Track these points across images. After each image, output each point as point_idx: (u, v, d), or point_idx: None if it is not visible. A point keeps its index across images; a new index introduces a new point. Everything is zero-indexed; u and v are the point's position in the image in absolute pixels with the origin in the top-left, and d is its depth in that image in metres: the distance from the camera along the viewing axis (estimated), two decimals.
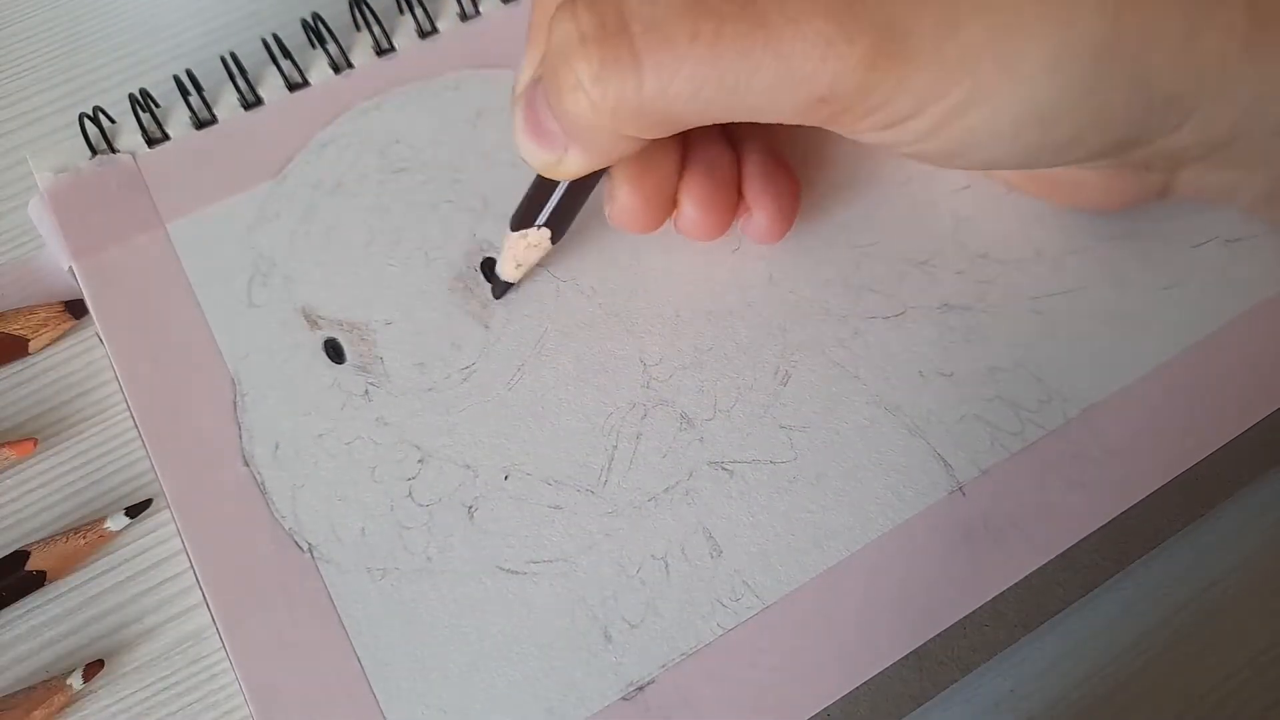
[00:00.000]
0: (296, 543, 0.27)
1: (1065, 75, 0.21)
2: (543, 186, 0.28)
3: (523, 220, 0.28)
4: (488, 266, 0.31)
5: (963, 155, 0.23)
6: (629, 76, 0.21)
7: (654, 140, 0.24)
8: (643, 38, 0.21)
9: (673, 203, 0.27)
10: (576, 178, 0.26)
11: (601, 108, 0.22)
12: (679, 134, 0.26)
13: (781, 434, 0.28)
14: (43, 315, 0.30)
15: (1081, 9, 0.20)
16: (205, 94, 0.33)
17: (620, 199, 0.27)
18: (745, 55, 0.20)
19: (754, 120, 0.22)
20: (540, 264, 0.30)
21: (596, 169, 0.25)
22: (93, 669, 0.26)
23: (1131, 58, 0.21)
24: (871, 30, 0.20)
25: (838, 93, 0.21)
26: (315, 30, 0.34)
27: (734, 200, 0.28)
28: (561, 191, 0.27)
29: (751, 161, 0.28)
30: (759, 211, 0.28)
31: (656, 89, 0.21)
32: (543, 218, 0.28)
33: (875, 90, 0.21)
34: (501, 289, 0.30)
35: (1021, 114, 0.21)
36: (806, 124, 0.22)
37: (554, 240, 0.29)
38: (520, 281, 0.30)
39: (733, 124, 0.28)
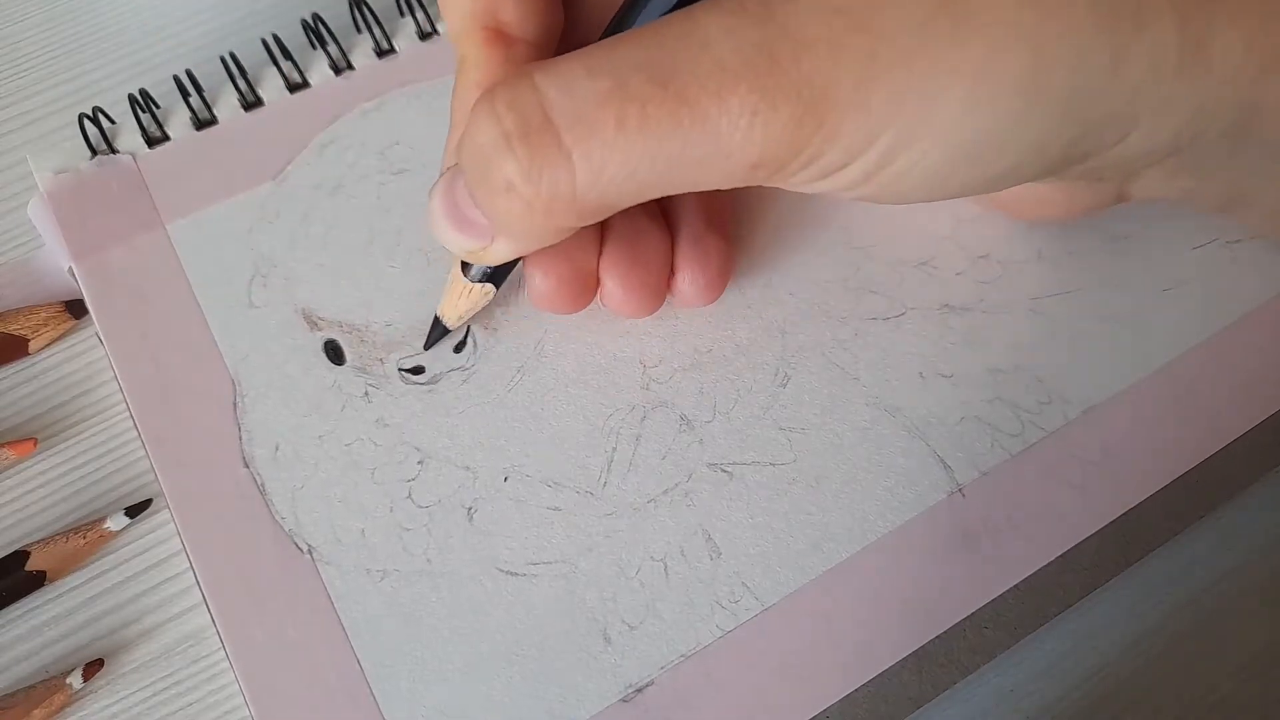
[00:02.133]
0: (296, 544, 0.27)
1: (988, 113, 0.21)
2: None
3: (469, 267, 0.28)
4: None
5: (902, 195, 0.23)
6: (561, 171, 0.21)
7: None
8: (568, 131, 0.20)
9: (595, 281, 0.27)
10: (503, 263, 0.26)
11: (536, 205, 0.21)
12: None
13: (781, 435, 0.28)
14: (43, 315, 0.30)
15: (999, 47, 0.20)
16: (205, 95, 0.33)
17: (536, 283, 0.27)
18: (673, 135, 0.20)
19: (689, 190, 0.22)
20: None
21: (522, 255, 0.25)
22: (92, 669, 0.26)
23: (1058, 88, 0.21)
24: (794, 94, 0.20)
25: (768, 158, 0.21)
26: (315, 31, 0.34)
27: (662, 273, 0.28)
28: None
29: (683, 226, 0.28)
30: (682, 277, 0.28)
31: (589, 179, 0.21)
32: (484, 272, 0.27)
33: (804, 150, 0.21)
34: (438, 335, 0.29)
35: (950, 153, 0.21)
36: (743, 186, 0.22)
37: (497, 285, 0.28)
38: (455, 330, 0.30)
39: None
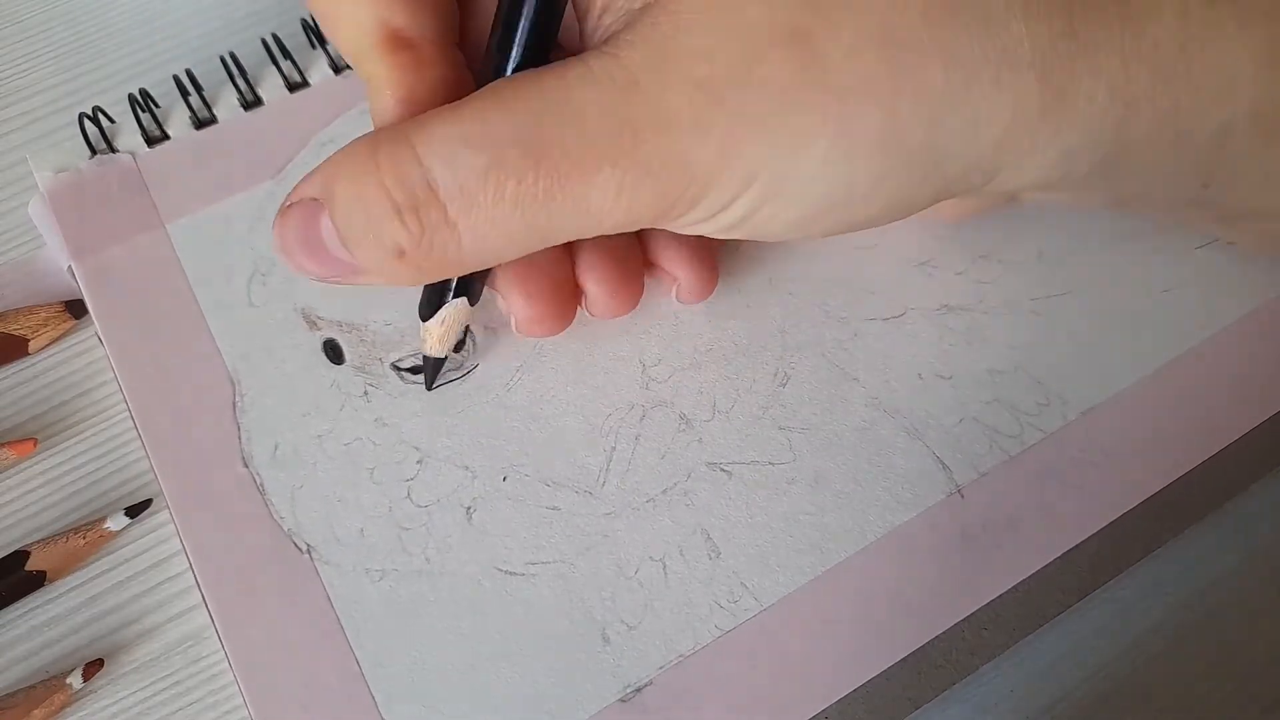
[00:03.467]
0: (295, 543, 0.27)
1: (845, 171, 0.21)
2: None
3: (432, 303, 0.27)
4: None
5: (774, 236, 0.24)
6: (449, 240, 0.22)
7: None
8: (452, 204, 0.21)
9: (576, 293, 0.28)
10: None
11: (425, 268, 0.23)
12: None
13: (780, 435, 0.28)
14: (43, 315, 0.30)
15: (854, 109, 0.21)
16: (205, 94, 0.33)
17: (519, 309, 0.27)
18: (548, 204, 0.21)
19: (571, 240, 0.23)
20: None
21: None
22: (92, 669, 0.26)
23: (915, 146, 0.21)
24: (658, 167, 0.21)
25: (636, 220, 0.22)
26: (315, 30, 0.34)
27: (639, 268, 0.28)
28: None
29: (657, 232, 0.28)
30: (682, 274, 0.29)
31: (474, 246, 0.22)
32: (452, 291, 0.27)
33: (670, 211, 0.22)
34: (434, 372, 0.29)
35: (812, 206, 0.22)
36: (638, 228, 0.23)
37: (473, 301, 0.27)
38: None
39: None
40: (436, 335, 0.27)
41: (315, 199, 0.23)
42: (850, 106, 0.21)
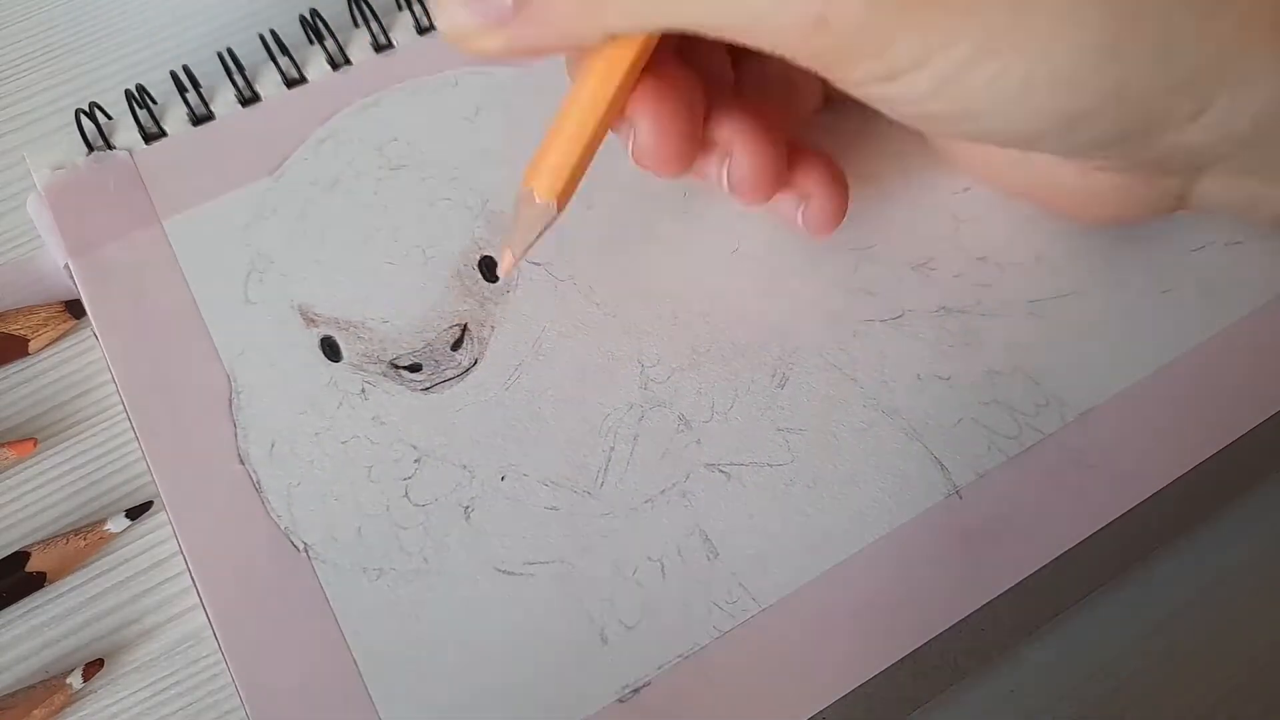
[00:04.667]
0: (292, 542, 0.27)
1: (1083, 33, 0.19)
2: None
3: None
4: (486, 265, 0.30)
5: (965, 120, 0.22)
6: None
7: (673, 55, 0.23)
8: None
9: (698, 139, 0.25)
10: (502, 56, 0.23)
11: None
12: (695, 59, 0.25)
13: (779, 436, 0.28)
14: (43, 315, 0.30)
15: None
16: (203, 90, 0.33)
17: (641, 134, 0.25)
18: None
19: (745, 43, 0.21)
20: (539, 263, 0.30)
21: (529, 52, 0.23)
22: (92, 669, 0.26)
23: (1152, 20, 0.20)
24: None
25: (836, 18, 0.19)
26: (313, 26, 0.33)
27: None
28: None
29: (796, 145, 0.27)
30: (816, 191, 0.27)
31: None
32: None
33: (875, 26, 0.19)
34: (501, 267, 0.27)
35: (1034, 73, 0.20)
36: (802, 62, 0.21)
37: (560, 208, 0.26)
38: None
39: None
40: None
41: None
42: None
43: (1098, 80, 0.20)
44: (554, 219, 0.25)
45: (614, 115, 0.24)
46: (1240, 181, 0.24)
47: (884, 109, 0.22)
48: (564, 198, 0.25)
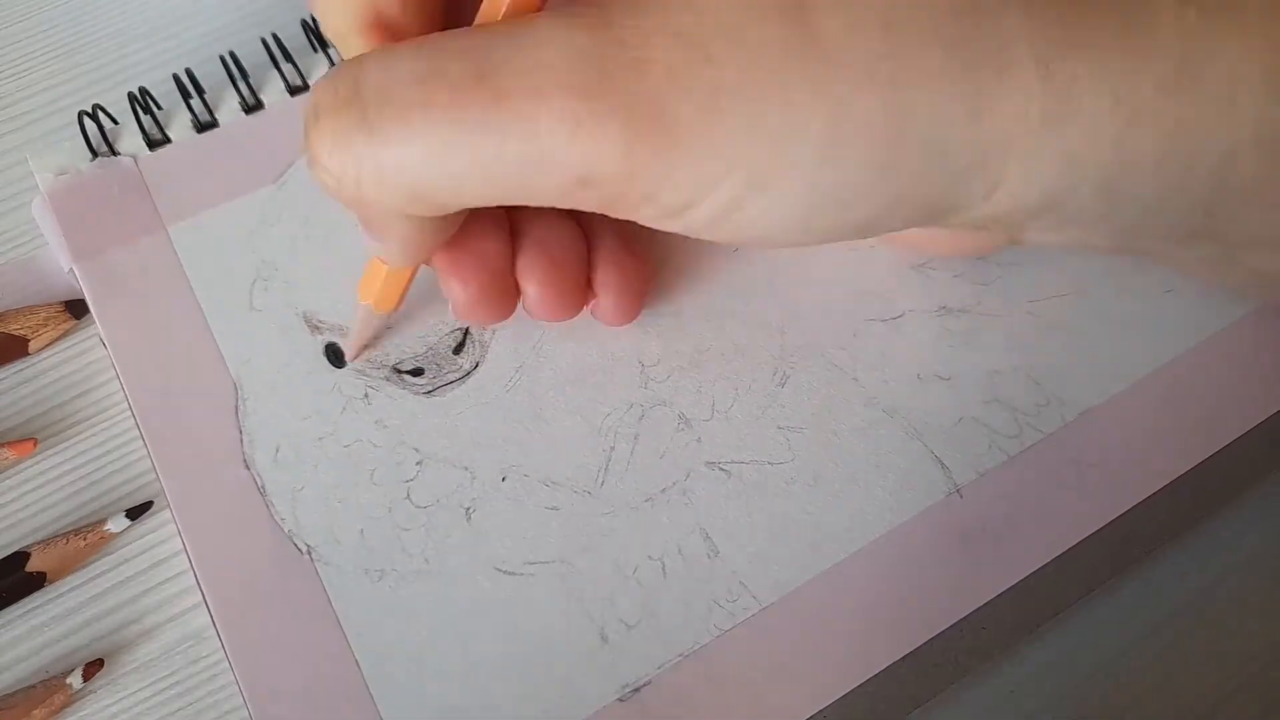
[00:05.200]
0: (296, 544, 0.27)
1: (845, 159, 0.20)
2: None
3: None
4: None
5: (761, 241, 0.22)
6: (363, 148, 0.20)
7: (473, 228, 0.25)
8: (375, 108, 0.20)
9: (515, 288, 0.27)
10: (402, 269, 0.26)
11: (344, 180, 0.21)
12: (502, 221, 0.26)
13: (779, 435, 0.28)
14: (43, 315, 0.30)
15: (855, 90, 0.19)
16: (206, 97, 0.33)
17: (456, 293, 0.26)
18: (486, 129, 0.19)
19: (524, 204, 0.21)
20: None
21: (409, 263, 0.26)
22: (92, 669, 0.26)
23: (917, 135, 0.20)
24: (625, 110, 0.19)
25: (597, 177, 0.20)
26: (316, 32, 0.34)
27: (579, 279, 0.27)
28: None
29: (600, 247, 0.28)
30: (603, 295, 0.28)
31: (394, 159, 0.20)
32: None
33: (638, 177, 0.20)
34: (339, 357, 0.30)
35: (807, 202, 0.20)
36: (582, 209, 0.21)
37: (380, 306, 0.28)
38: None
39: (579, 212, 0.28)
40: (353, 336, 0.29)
41: None
42: (849, 85, 0.19)
43: (873, 195, 0.21)
44: (386, 322, 0.30)
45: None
46: (1057, 231, 0.24)
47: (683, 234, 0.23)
48: (391, 306, 0.28)
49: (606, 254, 0.28)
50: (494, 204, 0.22)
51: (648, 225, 0.22)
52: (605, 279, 0.28)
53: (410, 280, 0.28)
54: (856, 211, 0.21)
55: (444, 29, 0.23)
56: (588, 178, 0.20)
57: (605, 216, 0.25)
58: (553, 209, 0.24)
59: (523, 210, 0.26)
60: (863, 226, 0.22)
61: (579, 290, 0.28)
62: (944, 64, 0.19)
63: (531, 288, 0.27)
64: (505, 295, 0.27)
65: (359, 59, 0.20)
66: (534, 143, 0.19)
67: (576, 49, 0.19)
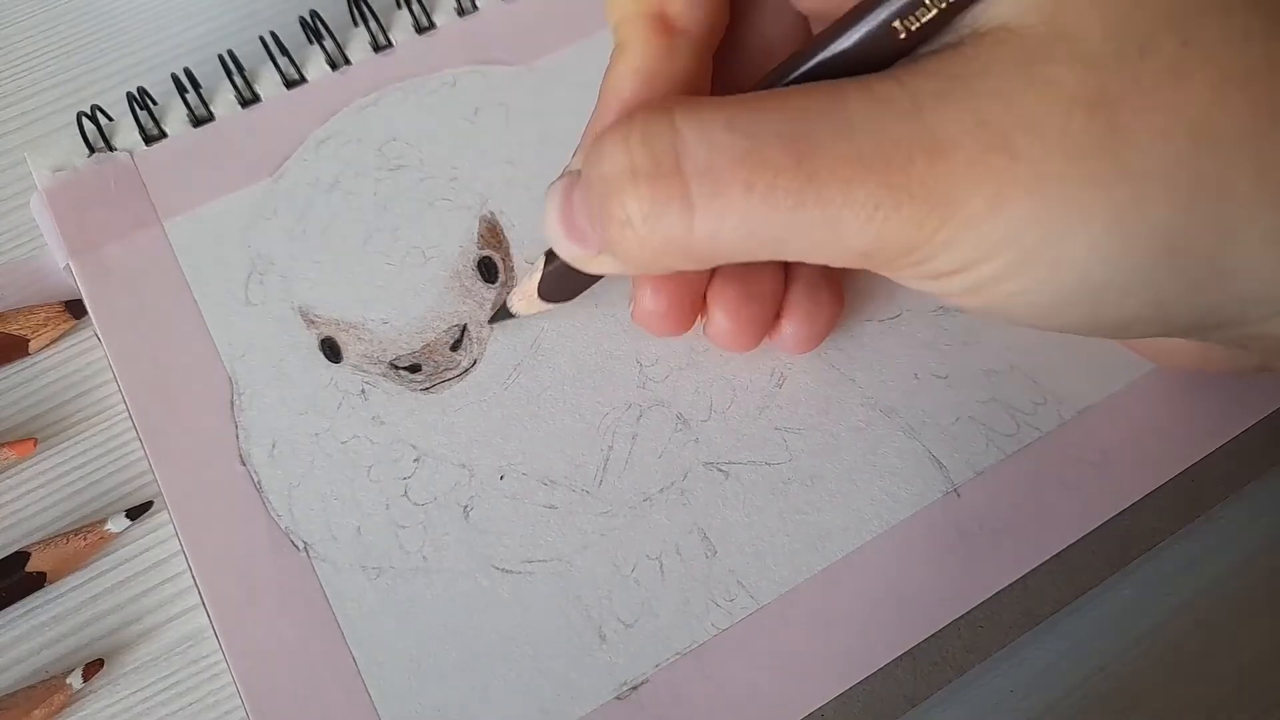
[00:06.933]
0: (292, 541, 0.27)
1: (1116, 263, 0.19)
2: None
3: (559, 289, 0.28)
4: (485, 265, 0.30)
5: (1007, 317, 0.22)
6: (679, 220, 0.21)
7: None
8: (697, 183, 0.20)
9: (699, 307, 0.27)
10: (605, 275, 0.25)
11: (649, 245, 0.21)
12: None
13: (777, 435, 0.28)
14: (43, 315, 0.30)
15: (1145, 199, 0.19)
16: (203, 91, 0.33)
17: (645, 302, 0.26)
18: (795, 210, 0.20)
19: (799, 261, 0.22)
20: None
21: (630, 275, 0.25)
22: (92, 669, 0.27)
23: (1199, 254, 0.19)
24: (922, 199, 0.19)
25: (880, 250, 0.20)
26: (313, 28, 0.33)
27: (769, 311, 0.27)
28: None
29: (800, 274, 0.27)
30: (788, 324, 0.27)
31: (706, 234, 0.21)
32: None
33: (917, 250, 0.20)
34: (501, 318, 0.30)
35: (1067, 293, 0.20)
36: (850, 267, 0.22)
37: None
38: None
39: None
40: (526, 294, 0.28)
41: (576, 170, 0.23)
42: (1143, 191, 0.19)
43: (1135, 301, 0.20)
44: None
45: None
46: None
47: (925, 294, 0.23)
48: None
49: (806, 282, 0.27)
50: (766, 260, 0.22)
51: (902, 284, 0.22)
52: (798, 310, 0.27)
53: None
54: (1110, 313, 0.21)
55: (717, 43, 0.24)
56: (872, 252, 0.20)
57: None
58: None
59: None
60: (1112, 328, 0.22)
61: (763, 325, 0.27)
62: (1253, 189, 0.19)
63: (719, 315, 0.27)
64: (689, 313, 0.27)
65: (669, 121, 0.21)
66: (834, 225, 0.20)
67: (891, 139, 0.19)
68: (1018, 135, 0.19)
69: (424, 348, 0.30)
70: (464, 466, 0.28)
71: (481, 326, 0.30)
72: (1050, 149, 0.19)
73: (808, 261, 0.22)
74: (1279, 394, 0.29)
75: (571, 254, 0.24)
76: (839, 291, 0.28)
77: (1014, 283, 0.20)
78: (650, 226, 0.21)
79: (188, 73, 0.33)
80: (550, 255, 0.27)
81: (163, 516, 0.29)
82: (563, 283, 0.27)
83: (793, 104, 0.20)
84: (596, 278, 0.27)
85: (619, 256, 0.23)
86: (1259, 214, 0.19)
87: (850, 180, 0.19)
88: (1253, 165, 0.19)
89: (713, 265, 0.23)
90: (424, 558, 0.27)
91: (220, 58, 0.33)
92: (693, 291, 0.26)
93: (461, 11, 0.35)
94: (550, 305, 0.28)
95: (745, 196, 0.20)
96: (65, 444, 0.30)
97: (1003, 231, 0.19)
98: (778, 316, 0.28)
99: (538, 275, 0.27)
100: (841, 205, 0.20)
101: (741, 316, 0.27)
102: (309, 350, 0.30)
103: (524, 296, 0.28)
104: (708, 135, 0.20)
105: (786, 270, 0.27)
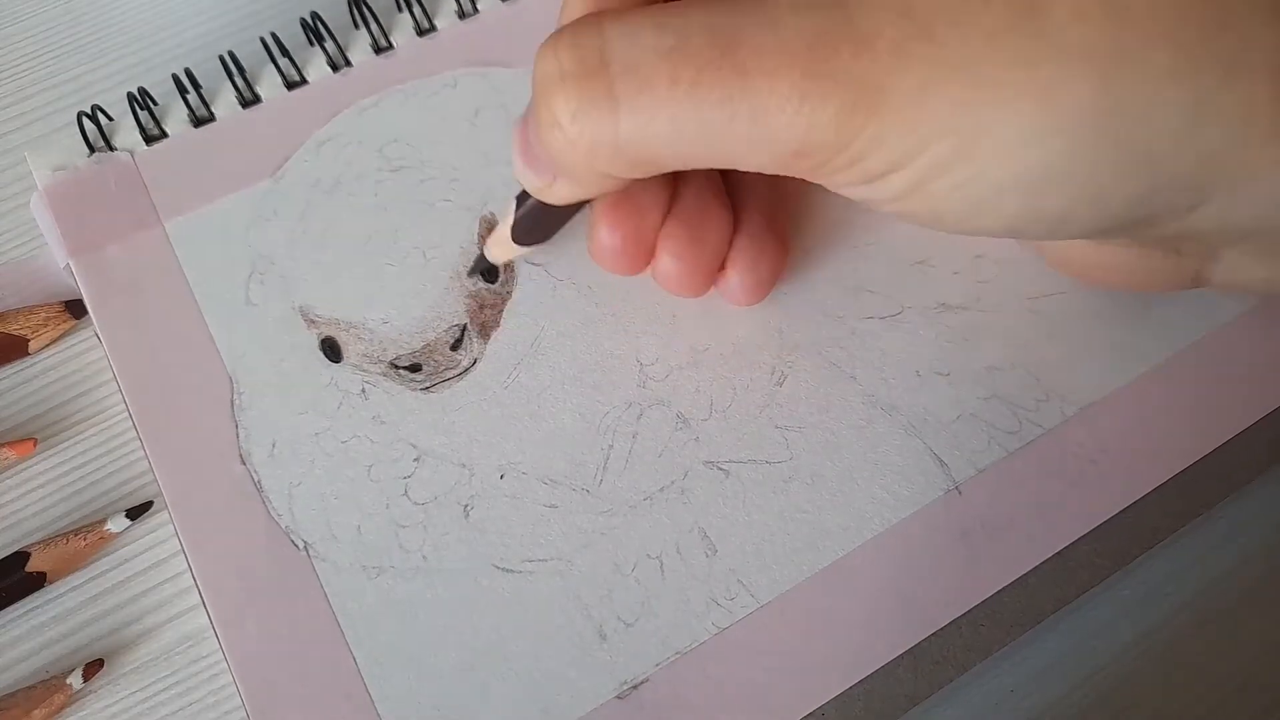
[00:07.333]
0: (293, 541, 0.27)
1: (1048, 146, 0.20)
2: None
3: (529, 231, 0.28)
4: (329, 347, 0.30)
5: (945, 217, 0.22)
6: (605, 118, 0.21)
7: (640, 182, 0.25)
8: (621, 80, 0.21)
9: (652, 250, 0.27)
10: (565, 204, 0.26)
11: (578, 145, 0.22)
12: (668, 182, 0.26)
13: (777, 434, 0.28)
14: (43, 315, 0.30)
15: (1070, 74, 0.19)
16: (203, 92, 0.33)
17: (598, 237, 0.27)
18: (722, 104, 0.20)
19: (733, 167, 0.22)
20: (538, 263, 0.30)
21: (583, 199, 0.25)
22: (92, 669, 0.27)
23: (1127, 130, 0.19)
24: (847, 87, 0.20)
25: (812, 146, 0.21)
26: (314, 29, 0.34)
27: (716, 257, 0.28)
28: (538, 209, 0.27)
29: (745, 222, 0.28)
30: (732, 272, 0.28)
31: (632, 131, 0.21)
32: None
33: (849, 145, 0.20)
34: (480, 267, 0.30)
35: (1003, 181, 0.20)
36: (785, 174, 0.22)
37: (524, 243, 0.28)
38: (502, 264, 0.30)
39: (733, 181, 0.28)
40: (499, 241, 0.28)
41: None
42: (1066, 69, 0.19)
43: (1069, 188, 0.20)
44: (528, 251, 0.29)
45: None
46: (1255, 263, 0.23)
47: (864, 205, 0.23)
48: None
49: (749, 231, 0.28)
50: (702, 168, 0.23)
51: (836, 190, 0.23)
52: (741, 257, 0.28)
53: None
54: (1048, 202, 0.21)
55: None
56: (803, 149, 0.21)
57: (754, 196, 0.27)
58: (711, 189, 0.27)
59: (681, 179, 0.27)
60: (1050, 221, 0.22)
61: (709, 271, 0.28)
62: (1170, 63, 0.19)
63: (666, 258, 0.27)
64: (643, 253, 0.27)
65: (598, 26, 0.21)
66: (762, 117, 0.20)
67: (814, 28, 0.20)
68: (938, 22, 0.19)
69: (424, 347, 0.30)
70: (464, 466, 0.28)
71: (481, 324, 0.30)
72: (969, 32, 0.19)
73: (742, 168, 0.22)
74: (1279, 394, 0.29)
75: (530, 181, 0.25)
76: (784, 242, 0.28)
77: (948, 177, 0.21)
78: (580, 126, 0.21)
79: (188, 73, 0.33)
80: (520, 199, 0.27)
81: (163, 516, 0.29)
82: (534, 223, 0.27)
83: (722, 5, 0.21)
84: (566, 217, 0.27)
85: (564, 170, 0.23)
86: (1174, 88, 0.19)
87: (775, 71, 0.20)
88: (1167, 41, 0.19)
89: (649, 171, 0.23)
90: (424, 557, 0.27)
91: (221, 58, 0.33)
92: (648, 229, 0.27)
93: (462, 14, 0.35)
94: (525, 249, 0.28)
95: (671, 91, 0.20)
96: (65, 444, 0.30)
97: (931, 119, 0.20)
98: (722, 267, 0.28)
99: (510, 219, 0.27)
100: (768, 95, 0.20)
101: (687, 258, 0.27)
102: (309, 350, 0.30)
103: (499, 243, 0.28)
104: (634, 36, 0.21)
105: (736, 219, 0.28)
